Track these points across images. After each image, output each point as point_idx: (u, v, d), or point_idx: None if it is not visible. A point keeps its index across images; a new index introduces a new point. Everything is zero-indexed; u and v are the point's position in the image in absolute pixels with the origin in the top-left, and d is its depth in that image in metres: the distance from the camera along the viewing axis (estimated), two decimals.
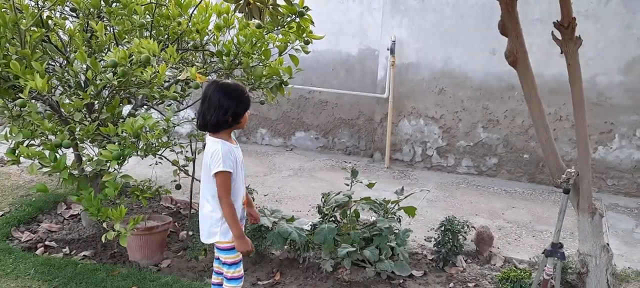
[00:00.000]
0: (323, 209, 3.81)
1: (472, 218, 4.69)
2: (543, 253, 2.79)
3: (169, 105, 3.88)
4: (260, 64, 3.79)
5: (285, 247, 3.67)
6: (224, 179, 2.42)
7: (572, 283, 3.48)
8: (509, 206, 5.14)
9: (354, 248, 3.49)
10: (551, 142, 2.69)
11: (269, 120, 7.41)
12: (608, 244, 2.59)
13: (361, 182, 3.88)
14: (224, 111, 2.43)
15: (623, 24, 5.35)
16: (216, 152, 2.42)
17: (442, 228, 3.76)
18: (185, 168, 3.96)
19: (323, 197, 4.05)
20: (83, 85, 3.53)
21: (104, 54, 3.42)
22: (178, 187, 4.10)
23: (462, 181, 5.94)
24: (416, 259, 3.85)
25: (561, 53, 2.55)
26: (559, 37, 2.53)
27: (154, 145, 3.23)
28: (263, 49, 3.75)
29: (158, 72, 3.14)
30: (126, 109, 3.83)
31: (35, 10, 3.23)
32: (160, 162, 3.73)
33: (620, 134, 5.49)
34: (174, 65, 3.44)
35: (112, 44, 3.55)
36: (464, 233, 3.82)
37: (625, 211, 5.11)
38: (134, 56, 2.99)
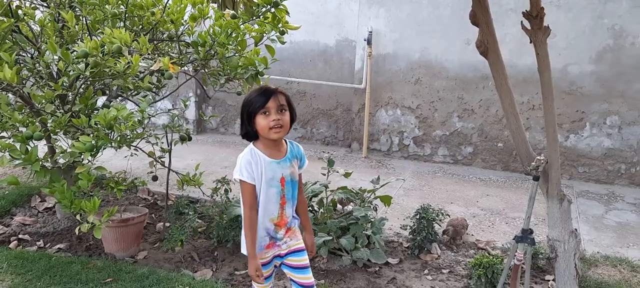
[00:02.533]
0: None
1: (447, 206, 4.77)
2: (514, 239, 2.85)
3: (144, 96, 3.85)
4: (236, 54, 3.78)
5: None
6: (242, 188, 2.25)
7: (543, 268, 3.57)
8: (484, 194, 5.23)
9: (331, 237, 3.52)
10: (521, 131, 2.74)
11: None
12: (576, 230, 2.66)
13: (338, 172, 3.92)
14: (242, 120, 2.27)
15: (594, 14, 5.46)
16: (239, 157, 2.27)
17: (418, 217, 3.82)
18: (162, 159, 3.94)
19: None
20: (55, 76, 3.48)
21: (76, 45, 3.37)
22: (154, 178, 4.08)
23: (438, 170, 6.02)
24: (392, 247, 3.91)
25: (530, 42, 2.60)
26: (528, 26, 2.58)
27: (128, 136, 3.21)
28: (239, 39, 3.74)
29: (131, 62, 3.12)
30: (101, 101, 3.79)
31: (4, 0, 3.17)
32: (135, 154, 3.70)
33: (591, 122, 5.61)
34: (148, 56, 3.41)
35: (85, 34, 3.50)
36: (438, 221, 3.88)
37: (596, 197, 5.25)
38: (105, 47, 2.96)
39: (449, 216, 4.03)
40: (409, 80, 6.23)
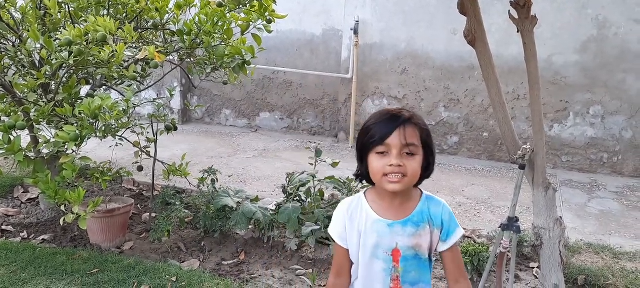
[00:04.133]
0: (288, 189, 3.82)
1: (433, 195, 4.80)
2: (500, 227, 2.88)
3: (128, 86, 3.81)
4: (222, 43, 3.75)
5: (250, 226, 3.68)
6: (334, 247, 1.68)
7: (528, 255, 3.62)
8: (469, 183, 5.27)
9: (319, 227, 3.52)
10: (508, 120, 2.76)
11: (233, 101, 7.36)
12: (561, 217, 2.70)
13: (325, 162, 3.91)
14: (358, 156, 1.60)
15: (578, 4, 5.50)
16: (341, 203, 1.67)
17: None
18: (147, 149, 3.91)
19: (288, 176, 4.07)
20: (38, 64, 3.42)
21: (59, 33, 3.31)
22: (140, 168, 4.04)
23: None
24: None
25: (518, 32, 2.60)
26: (516, 16, 2.59)
27: (113, 126, 3.17)
28: (225, 28, 3.71)
29: (116, 51, 3.07)
30: (85, 90, 3.73)
31: None
32: (121, 144, 3.66)
33: (574, 112, 5.68)
34: (133, 44, 3.36)
35: (68, 22, 3.44)
36: None
37: (579, 186, 5.32)
38: (90, 35, 2.91)
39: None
40: (395, 70, 6.24)
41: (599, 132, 5.63)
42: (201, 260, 3.47)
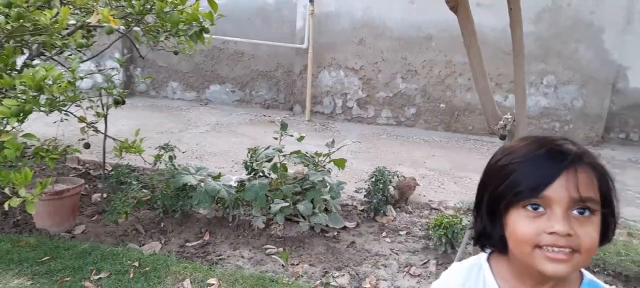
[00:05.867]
0: (252, 164, 3.62)
1: (395, 167, 4.73)
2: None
3: (70, 56, 3.46)
4: (175, 9, 3.44)
5: (213, 205, 3.47)
6: None
7: None
8: (429, 155, 5.25)
9: (288, 204, 3.36)
10: (488, 90, 2.69)
11: (181, 72, 6.98)
12: None
13: (290, 136, 3.73)
14: (477, 201, 1.04)
15: None
16: (443, 275, 1.14)
17: (373, 179, 3.73)
18: (94, 124, 3.57)
19: (250, 151, 3.86)
20: None
21: None
22: (87, 145, 3.71)
23: (383, 132, 5.98)
24: (347, 210, 3.81)
25: None
26: None
27: (59, 100, 2.84)
28: None
29: (59, 16, 2.74)
30: (20, 61, 3.34)
31: None
32: (66, 119, 3.32)
33: (529, 82, 5.76)
34: (81, 8, 3.02)
35: None
36: (393, 183, 3.83)
37: None
38: None
39: (404, 177, 3.99)
40: (352, 40, 6.09)
41: (552, 101, 5.75)
42: (162, 242, 3.23)
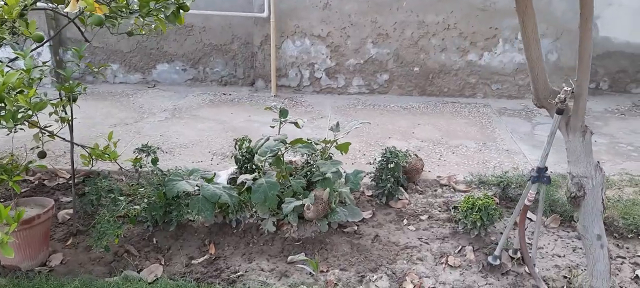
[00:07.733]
0: (247, 160, 3.16)
1: (386, 141, 4.42)
2: (529, 180, 2.57)
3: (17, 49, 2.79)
4: None
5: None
6: None
7: (554, 209, 3.29)
8: (415, 123, 4.96)
9: (301, 202, 2.94)
10: (541, 60, 2.41)
11: (120, 52, 6.21)
12: (599, 163, 2.43)
13: (287, 121, 3.27)
14: None
15: None
16: None
17: (385, 161, 3.38)
18: (47, 128, 2.93)
19: (237, 142, 3.39)
20: None
21: None
22: (42, 154, 3.08)
23: (356, 102, 5.62)
24: (355, 198, 3.45)
25: None
26: None
27: (23, 111, 2.25)
28: None
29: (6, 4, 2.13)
30: None
31: None
32: (22, 129, 2.67)
33: (503, 38, 5.58)
34: None
35: None
36: (405, 164, 3.50)
37: (516, 114, 5.28)
38: None
39: (416, 156, 3.67)
40: (316, 4, 5.61)
41: None
42: (163, 263, 2.73)
